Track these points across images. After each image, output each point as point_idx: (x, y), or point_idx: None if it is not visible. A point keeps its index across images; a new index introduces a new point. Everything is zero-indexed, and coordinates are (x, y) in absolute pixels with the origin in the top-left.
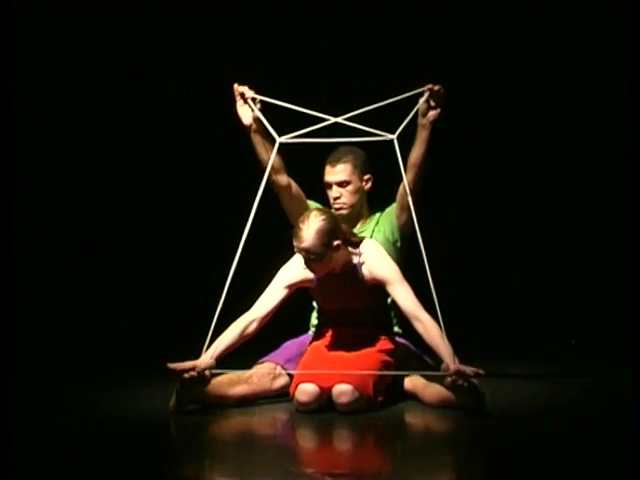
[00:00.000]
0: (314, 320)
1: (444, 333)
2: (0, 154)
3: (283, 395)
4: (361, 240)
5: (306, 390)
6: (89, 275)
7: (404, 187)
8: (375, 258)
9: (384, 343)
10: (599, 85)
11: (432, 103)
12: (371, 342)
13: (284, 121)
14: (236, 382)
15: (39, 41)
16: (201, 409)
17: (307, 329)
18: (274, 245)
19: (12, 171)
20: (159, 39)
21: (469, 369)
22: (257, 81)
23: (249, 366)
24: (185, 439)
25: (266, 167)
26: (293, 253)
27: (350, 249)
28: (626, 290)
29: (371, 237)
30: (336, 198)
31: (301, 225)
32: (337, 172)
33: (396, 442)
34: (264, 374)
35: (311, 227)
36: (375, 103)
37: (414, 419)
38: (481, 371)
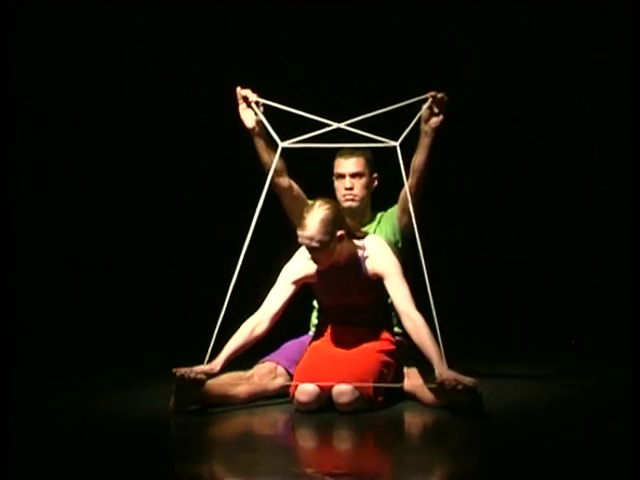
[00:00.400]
0: (314, 320)
1: (438, 335)
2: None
3: (283, 395)
4: (365, 235)
5: (306, 390)
6: (89, 275)
7: (406, 191)
8: (378, 252)
9: (384, 343)
10: (599, 86)
11: (435, 110)
12: (371, 342)
13: (286, 124)
14: (237, 382)
15: (39, 41)
16: (202, 409)
17: (307, 329)
18: (277, 246)
19: (12, 170)
20: (159, 40)
21: (459, 378)
22: (259, 84)
23: (250, 367)
24: (185, 439)
25: (268, 170)
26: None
27: (354, 243)
28: (626, 290)
29: None
30: (348, 189)
31: (306, 214)
32: (351, 164)
33: (396, 442)
34: (265, 373)
35: (315, 216)
36: (378, 109)
37: (414, 419)
38: (470, 383)
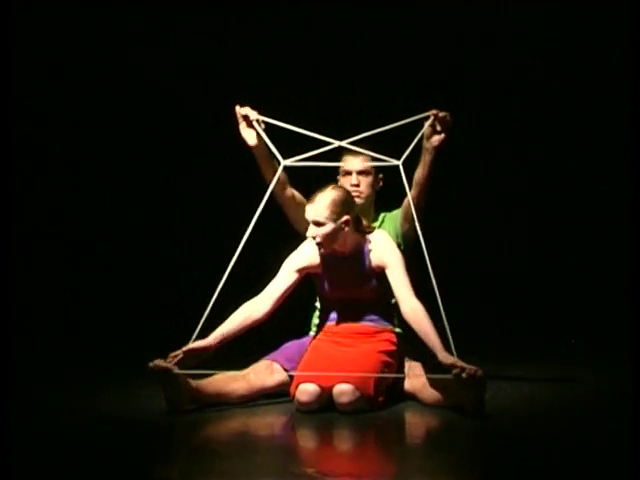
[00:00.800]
0: (315, 319)
1: (448, 336)
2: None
3: (283, 395)
4: (372, 230)
5: (307, 390)
6: (89, 275)
7: (409, 200)
8: (383, 245)
9: (385, 344)
10: (599, 85)
11: (437, 128)
12: (372, 343)
13: (288, 140)
14: (233, 379)
15: (39, 41)
16: (201, 409)
17: (307, 330)
18: (273, 249)
19: (12, 170)
20: (160, 40)
21: (463, 364)
22: (262, 102)
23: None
24: (185, 439)
25: (269, 183)
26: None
27: (360, 235)
28: (626, 290)
29: None
30: (355, 185)
31: (318, 193)
32: (359, 162)
33: (396, 442)
34: (261, 370)
35: (327, 194)
36: (380, 127)
37: (414, 419)
38: (475, 372)
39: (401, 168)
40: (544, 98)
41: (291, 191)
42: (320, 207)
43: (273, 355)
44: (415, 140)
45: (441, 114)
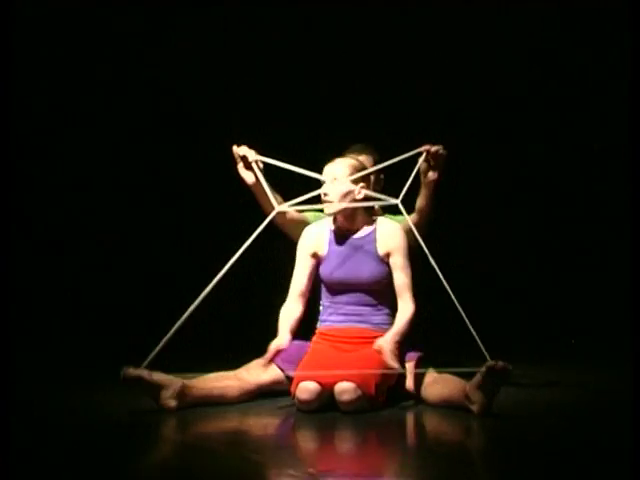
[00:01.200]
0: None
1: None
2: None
3: (283, 395)
4: (382, 215)
5: (307, 388)
6: (89, 274)
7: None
8: (390, 230)
9: None
10: (599, 86)
11: (432, 163)
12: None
13: (284, 174)
14: (225, 377)
15: (39, 41)
16: (201, 408)
17: (309, 333)
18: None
19: (12, 169)
20: (160, 41)
21: (387, 353)
22: (261, 142)
23: None
24: (185, 439)
25: (268, 214)
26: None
27: (370, 217)
28: (626, 290)
29: None
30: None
31: (337, 158)
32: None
33: (398, 442)
34: (252, 366)
35: (347, 159)
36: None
37: (416, 418)
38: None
39: (400, 206)
40: (544, 98)
41: (290, 214)
42: (340, 166)
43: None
44: (411, 178)
45: (433, 149)
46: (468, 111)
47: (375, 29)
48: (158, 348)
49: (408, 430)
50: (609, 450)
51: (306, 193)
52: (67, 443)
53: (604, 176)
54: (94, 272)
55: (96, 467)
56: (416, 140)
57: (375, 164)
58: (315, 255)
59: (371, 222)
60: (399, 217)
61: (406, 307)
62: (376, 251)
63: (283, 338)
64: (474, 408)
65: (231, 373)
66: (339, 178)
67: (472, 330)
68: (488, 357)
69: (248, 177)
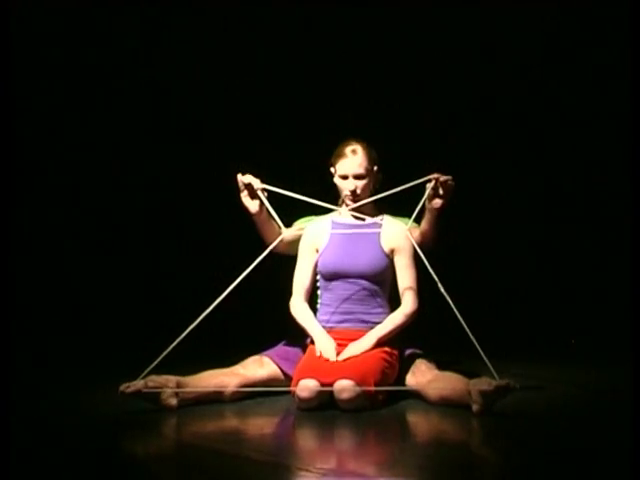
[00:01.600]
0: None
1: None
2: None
3: (283, 393)
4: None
5: (307, 386)
6: (89, 274)
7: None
8: (395, 228)
9: (385, 348)
10: (599, 86)
11: (439, 192)
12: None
13: (288, 202)
14: (221, 374)
15: (38, 40)
16: (200, 407)
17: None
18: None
19: (12, 169)
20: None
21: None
22: (262, 168)
23: None
24: (185, 437)
25: (268, 243)
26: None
27: (377, 209)
28: (626, 290)
29: None
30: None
31: (345, 149)
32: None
33: (398, 440)
34: (249, 362)
35: (359, 148)
36: (382, 191)
37: (416, 417)
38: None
39: (408, 233)
40: (544, 98)
41: (291, 236)
42: (360, 159)
43: (263, 352)
44: (418, 207)
45: (442, 178)
46: (468, 111)
47: (374, 29)
48: (155, 363)
49: (407, 428)
50: (609, 449)
51: (305, 211)
52: (66, 442)
53: (604, 176)
54: (94, 272)
55: (95, 466)
56: (417, 139)
57: (373, 161)
58: (317, 250)
59: (377, 213)
60: (403, 219)
61: (403, 308)
62: (379, 243)
63: (329, 347)
64: (474, 408)
65: (227, 370)
66: (363, 172)
67: (473, 340)
68: (496, 376)
69: (252, 206)
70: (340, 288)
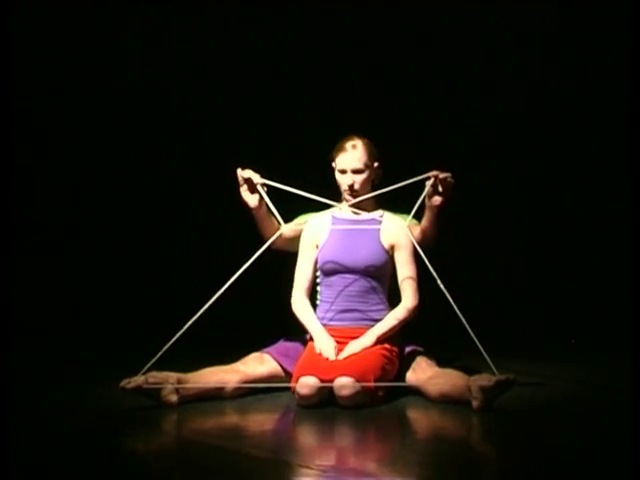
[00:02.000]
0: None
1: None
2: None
3: (283, 390)
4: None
5: (307, 383)
6: (89, 274)
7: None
8: (395, 224)
9: (385, 345)
10: (599, 86)
11: (439, 189)
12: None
13: (288, 197)
14: (222, 371)
15: (38, 40)
16: (200, 404)
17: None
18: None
19: (12, 169)
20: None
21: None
22: (262, 162)
23: None
24: (185, 435)
25: (267, 239)
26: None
27: (377, 205)
28: (626, 290)
29: None
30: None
31: (345, 145)
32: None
33: (398, 437)
34: (249, 359)
35: (359, 143)
36: (381, 187)
37: (416, 414)
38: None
39: (407, 230)
40: (543, 98)
41: (291, 232)
42: (360, 154)
43: (264, 349)
44: (417, 204)
45: (442, 175)
46: (467, 111)
47: (375, 29)
48: (156, 358)
49: (408, 425)
50: (609, 446)
51: (305, 207)
52: (66, 438)
53: (604, 176)
54: (94, 271)
55: (96, 462)
56: (416, 140)
57: (373, 157)
58: (318, 246)
59: (377, 207)
60: (402, 215)
61: (404, 303)
62: (379, 238)
63: (329, 346)
64: (474, 403)
65: (227, 367)
66: (362, 167)
67: (473, 337)
68: (495, 371)
69: (251, 200)
70: (339, 284)
